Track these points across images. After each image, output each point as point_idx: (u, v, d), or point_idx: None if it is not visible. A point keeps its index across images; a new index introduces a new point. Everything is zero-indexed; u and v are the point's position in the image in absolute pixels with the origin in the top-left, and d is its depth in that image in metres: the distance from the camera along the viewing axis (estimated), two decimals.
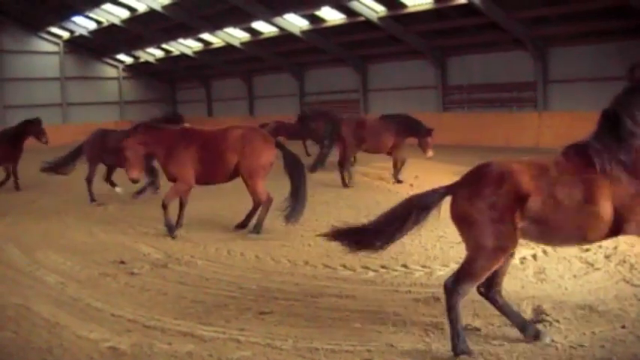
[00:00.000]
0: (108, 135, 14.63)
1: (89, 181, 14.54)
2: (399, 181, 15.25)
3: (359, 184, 15.28)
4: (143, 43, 37.62)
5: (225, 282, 7.74)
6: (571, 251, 8.44)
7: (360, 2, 24.85)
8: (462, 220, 5.53)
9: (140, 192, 13.98)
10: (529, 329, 5.60)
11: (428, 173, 16.09)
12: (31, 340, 5.99)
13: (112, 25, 34.53)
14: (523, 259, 8.18)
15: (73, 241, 10.38)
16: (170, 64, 40.95)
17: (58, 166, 14.74)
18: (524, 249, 8.64)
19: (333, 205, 12.74)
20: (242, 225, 10.83)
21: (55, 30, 39.10)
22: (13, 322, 6.51)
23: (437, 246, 9.01)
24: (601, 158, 5.34)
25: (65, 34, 39.47)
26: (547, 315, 6.07)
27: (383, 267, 8.06)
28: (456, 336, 5.28)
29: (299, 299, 6.98)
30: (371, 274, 7.85)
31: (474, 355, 5.30)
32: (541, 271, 7.65)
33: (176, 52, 37.84)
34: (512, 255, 5.76)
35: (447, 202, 5.56)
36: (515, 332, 5.73)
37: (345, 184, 15.08)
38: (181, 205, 10.85)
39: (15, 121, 24.81)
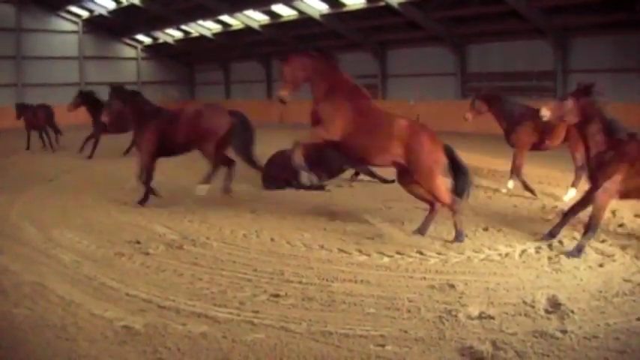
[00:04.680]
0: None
1: None
2: None
3: (378, 171, 15.20)
4: (162, 24, 37.61)
5: (240, 264, 7.75)
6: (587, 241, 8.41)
7: None
8: None
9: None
10: None
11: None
12: (46, 317, 6.02)
13: (132, 5, 34.54)
14: (538, 249, 8.14)
15: (89, 220, 10.42)
16: (189, 46, 40.94)
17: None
18: (540, 238, 8.62)
19: (350, 193, 12.71)
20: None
21: (74, 9, 39.14)
22: (28, 299, 6.56)
23: (452, 233, 8.97)
24: None
25: (84, 14, 39.52)
26: (562, 305, 6.05)
27: (398, 253, 8.04)
28: None
29: (314, 283, 6.99)
30: (386, 259, 7.83)
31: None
32: (556, 261, 7.60)
33: (195, 34, 37.81)
34: None
35: None
36: (529, 322, 5.72)
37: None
38: None
39: (33, 100, 25.08)
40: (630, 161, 7.63)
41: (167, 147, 11.37)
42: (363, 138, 8.81)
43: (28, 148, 21.95)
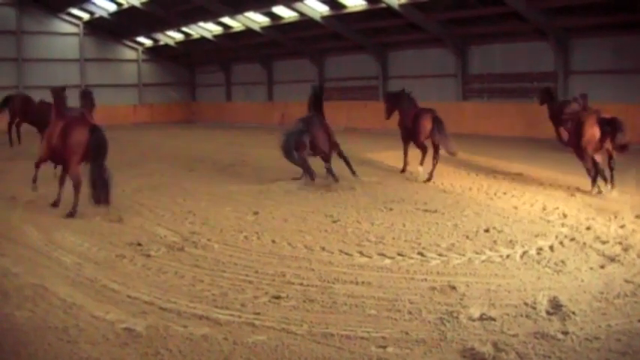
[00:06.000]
0: None
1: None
2: None
3: (380, 174, 15.21)
4: (163, 26, 37.62)
5: (242, 266, 7.75)
6: (589, 243, 8.41)
7: None
8: None
9: None
10: None
11: (446, 164, 16.04)
12: (48, 319, 6.02)
13: (132, 8, 34.53)
14: (540, 250, 8.14)
15: (90, 222, 10.43)
16: (189, 48, 40.94)
17: None
18: (541, 240, 8.63)
19: (351, 195, 12.70)
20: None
21: (75, 11, 39.17)
22: (30, 301, 6.56)
23: (453, 235, 8.98)
24: None
25: (85, 16, 39.54)
26: (563, 306, 6.05)
27: (399, 254, 8.05)
28: None
29: (315, 285, 6.99)
30: (387, 261, 7.84)
31: None
32: (558, 262, 7.60)
33: (196, 36, 37.81)
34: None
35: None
36: (531, 323, 5.72)
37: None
38: None
39: None
40: None
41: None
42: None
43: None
